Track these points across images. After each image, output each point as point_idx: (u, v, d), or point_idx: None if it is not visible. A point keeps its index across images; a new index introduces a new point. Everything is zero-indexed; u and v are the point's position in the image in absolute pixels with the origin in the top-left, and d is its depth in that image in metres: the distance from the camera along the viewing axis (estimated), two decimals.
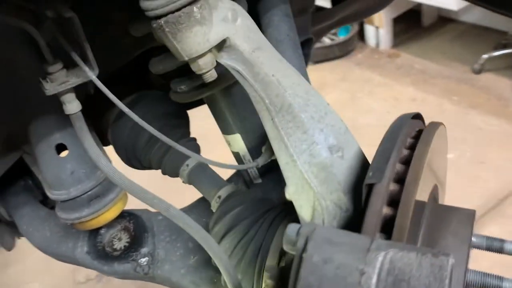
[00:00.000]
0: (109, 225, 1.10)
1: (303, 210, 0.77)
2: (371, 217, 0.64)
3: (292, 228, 0.62)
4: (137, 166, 1.18)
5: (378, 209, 0.65)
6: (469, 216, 0.79)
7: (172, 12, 0.67)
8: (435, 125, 0.80)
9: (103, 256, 1.08)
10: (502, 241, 0.82)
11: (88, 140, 0.81)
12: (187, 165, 1.08)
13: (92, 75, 0.77)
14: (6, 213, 1.14)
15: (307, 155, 0.75)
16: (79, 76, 0.78)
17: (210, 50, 0.73)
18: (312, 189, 0.75)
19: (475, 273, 0.73)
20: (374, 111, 4.27)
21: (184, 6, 0.67)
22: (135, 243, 1.10)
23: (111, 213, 1.01)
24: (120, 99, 1.05)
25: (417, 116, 0.86)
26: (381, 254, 0.55)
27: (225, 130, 1.05)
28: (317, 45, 4.86)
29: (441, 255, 0.54)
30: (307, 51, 1.49)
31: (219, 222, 0.97)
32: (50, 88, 0.77)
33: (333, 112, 0.81)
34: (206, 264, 1.06)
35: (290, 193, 0.78)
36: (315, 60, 4.89)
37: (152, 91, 1.17)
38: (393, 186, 0.68)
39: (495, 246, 0.82)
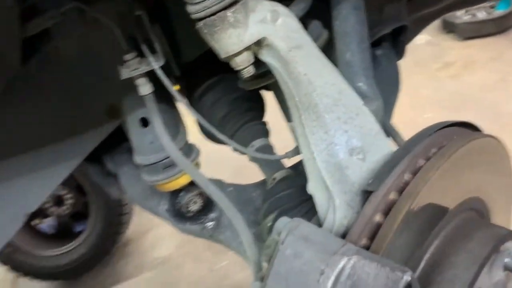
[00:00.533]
0: (188, 190, 1.27)
1: (320, 206, 0.81)
2: (359, 223, 0.67)
3: (282, 220, 0.68)
4: (214, 141, 1.32)
5: (368, 216, 0.67)
6: (497, 236, 0.75)
7: (209, 16, 0.76)
8: (474, 137, 0.76)
9: (179, 215, 1.26)
10: None
11: (156, 119, 0.96)
12: (252, 146, 1.18)
13: (155, 65, 0.90)
14: (113, 168, 1.38)
15: (326, 154, 0.79)
16: (148, 65, 0.93)
17: (247, 49, 0.80)
18: (327, 187, 0.79)
19: None
20: None
21: (219, 11, 0.75)
22: (205, 208, 1.26)
23: (182, 180, 1.17)
24: (204, 80, 1.20)
25: (467, 125, 0.82)
26: (344, 259, 0.59)
27: (287, 117, 1.12)
28: (468, 19, 4.44)
29: (398, 270, 0.56)
30: (402, 38, 1.45)
31: (267, 201, 1.06)
32: (124, 73, 0.93)
33: (366, 114, 0.83)
34: (260, 238, 1.16)
35: (310, 188, 0.83)
36: (465, 36, 4.49)
37: (232, 75, 1.28)
38: (393, 196, 0.69)
39: None
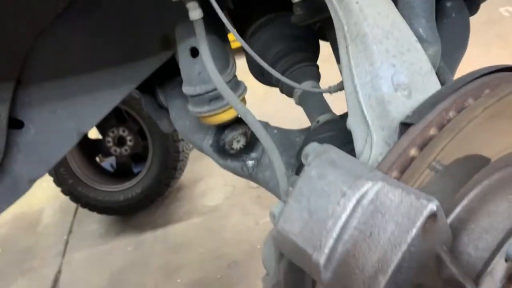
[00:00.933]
0: (233, 127, 1.28)
1: (357, 142, 0.79)
2: (392, 155, 0.64)
3: (312, 145, 0.66)
4: (264, 81, 1.30)
5: (402, 148, 0.63)
6: None
7: None
8: None
9: (222, 151, 1.28)
10: None
11: (204, 46, 0.96)
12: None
13: None
14: (164, 100, 1.41)
15: (370, 87, 0.75)
16: None
17: None
18: (367, 121, 0.76)
19: None
20: None
21: None
22: (248, 147, 1.26)
23: (227, 115, 1.18)
24: (257, 18, 1.18)
25: None
26: (368, 183, 0.57)
27: (338, 59, 1.08)
28: None
29: (424, 198, 0.53)
30: None
31: (307, 144, 1.04)
32: None
33: (419, 51, 0.78)
34: None
35: (349, 123, 0.80)
36: None
37: (286, 14, 1.24)
38: (433, 131, 0.65)
39: None
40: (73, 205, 3.83)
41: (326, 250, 0.56)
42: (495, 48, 4.18)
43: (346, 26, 0.78)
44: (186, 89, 1.16)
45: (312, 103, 1.14)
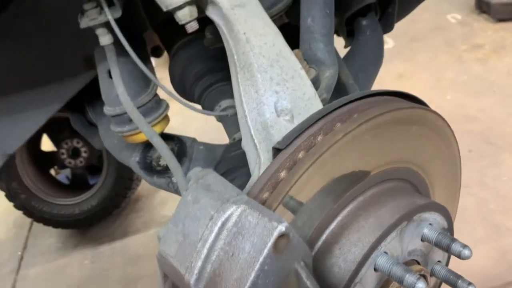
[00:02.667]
0: None
1: (250, 162, 0.84)
2: (263, 178, 0.69)
3: (194, 170, 0.71)
4: (186, 97, 1.35)
5: (272, 172, 0.69)
6: (411, 205, 0.76)
7: None
8: (401, 107, 0.76)
9: (148, 168, 1.31)
10: (452, 240, 0.77)
11: (114, 70, 1.00)
12: (220, 106, 1.21)
13: (110, 16, 0.93)
14: (94, 118, 1.44)
15: (256, 113, 0.81)
16: (106, 16, 0.96)
17: (188, 4, 0.82)
18: (255, 144, 0.81)
19: (387, 259, 0.72)
20: None
21: None
22: None
23: None
24: (181, 37, 1.22)
25: (402, 95, 0.82)
26: (232, 207, 0.62)
27: None
28: (503, 0, 4.24)
29: (275, 220, 0.58)
30: (390, 10, 1.42)
31: (222, 160, 1.09)
32: (83, 22, 0.96)
33: (303, 78, 0.84)
34: None
35: (243, 145, 0.85)
36: (498, 17, 4.30)
37: None
38: (301, 154, 0.71)
39: (443, 243, 0.78)
40: (28, 219, 3.77)
41: (196, 271, 0.61)
42: (443, 54, 4.35)
43: (236, 55, 0.83)
44: (107, 110, 1.19)
45: (230, 120, 1.20)
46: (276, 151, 0.73)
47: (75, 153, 3.58)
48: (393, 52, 4.54)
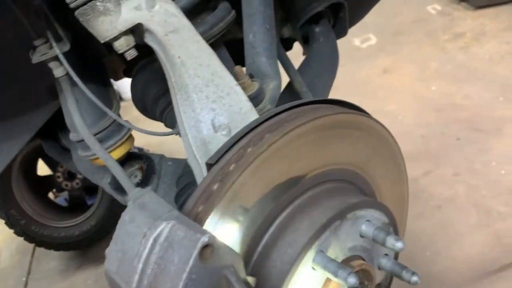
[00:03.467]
0: (130, 164, 1.37)
1: (196, 176, 0.89)
2: (196, 192, 0.74)
3: (133, 191, 0.76)
4: (148, 116, 1.40)
5: (205, 186, 0.74)
6: (345, 204, 0.80)
7: (81, 5, 0.83)
8: (326, 114, 0.81)
9: (119, 188, 1.37)
10: (387, 234, 0.81)
11: (70, 102, 1.06)
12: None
13: (58, 51, 0.99)
14: (67, 143, 1.49)
15: (194, 130, 0.86)
16: (55, 50, 1.01)
17: (124, 34, 0.88)
18: (197, 160, 0.86)
19: (322, 257, 0.76)
20: None
21: (89, 1, 0.83)
22: (144, 182, 1.36)
23: (113, 155, 1.27)
24: (140, 59, 1.27)
25: (339, 102, 0.87)
26: (163, 223, 0.67)
27: None
28: None
29: (199, 232, 0.63)
30: (342, 15, 1.47)
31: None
32: (35, 57, 1.02)
33: (238, 93, 0.89)
34: None
35: (188, 161, 0.90)
36: (477, 5, 4.33)
37: None
38: (233, 167, 0.75)
39: (379, 237, 0.82)
40: (31, 245, 3.84)
41: (133, 285, 0.66)
42: (425, 46, 4.39)
43: (173, 78, 0.88)
44: (71, 136, 1.25)
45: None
46: (209, 166, 0.78)
47: (70, 175, 3.64)
48: (376, 48, 4.58)
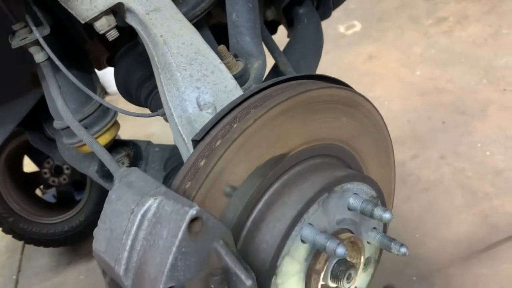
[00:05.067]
0: (117, 151, 1.36)
1: (182, 155, 0.89)
2: (183, 169, 0.74)
3: (119, 171, 0.76)
4: (133, 102, 1.39)
5: (192, 162, 0.74)
6: (332, 177, 0.81)
7: None
8: (310, 88, 0.81)
9: (107, 175, 1.36)
10: (375, 205, 0.82)
11: (53, 87, 1.04)
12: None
13: (38, 34, 0.97)
14: (52, 133, 1.48)
15: (180, 109, 0.86)
16: (35, 34, 1.00)
17: (105, 14, 0.86)
18: (183, 138, 0.86)
19: (311, 230, 0.77)
20: None
21: None
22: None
23: (99, 142, 1.25)
24: (124, 43, 1.25)
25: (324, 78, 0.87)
26: (150, 199, 0.66)
27: None
28: None
29: (187, 205, 0.63)
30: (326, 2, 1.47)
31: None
32: (14, 42, 1.00)
33: (223, 71, 0.89)
34: None
35: (174, 140, 0.90)
36: None
37: None
38: (219, 143, 0.75)
39: (367, 210, 0.83)
40: (20, 243, 3.79)
41: (123, 262, 0.65)
42: (409, 31, 4.41)
43: (156, 57, 0.88)
44: (56, 124, 1.23)
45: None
46: (195, 142, 0.77)
47: (57, 171, 3.61)
48: (361, 35, 4.59)
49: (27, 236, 3.48)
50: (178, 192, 0.72)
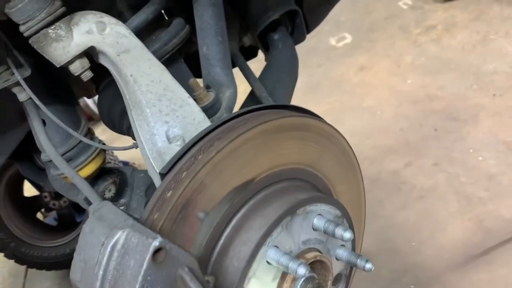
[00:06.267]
0: (104, 178, 1.42)
1: (156, 186, 0.94)
2: (151, 201, 0.79)
3: (92, 205, 0.81)
4: (117, 131, 1.45)
5: (159, 194, 0.79)
6: (294, 201, 0.86)
7: (33, 34, 0.88)
8: (270, 118, 0.86)
9: None
10: (336, 225, 0.87)
11: (36, 124, 1.10)
12: None
13: (19, 77, 1.04)
14: (42, 163, 1.53)
15: (150, 143, 0.91)
16: (16, 76, 1.06)
17: (78, 57, 0.93)
18: (155, 170, 0.91)
19: (275, 252, 0.82)
20: (509, 55, 3.77)
21: (41, 29, 0.88)
22: (117, 195, 1.40)
23: (85, 172, 1.31)
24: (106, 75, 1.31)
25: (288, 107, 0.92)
26: (119, 232, 0.72)
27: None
28: None
29: (150, 237, 0.68)
30: (298, 21, 1.53)
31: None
32: None
33: (191, 105, 0.94)
34: None
35: (148, 172, 0.95)
36: None
37: None
38: (184, 175, 0.81)
39: (329, 230, 0.88)
40: (22, 267, 3.84)
41: None
42: (399, 40, 4.48)
43: (127, 95, 0.94)
44: (43, 156, 1.29)
45: None
46: (162, 175, 0.83)
47: (57, 194, 3.66)
48: (352, 46, 4.66)
49: (29, 260, 3.52)
50: (147, 223, 0.78)
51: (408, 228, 2.99)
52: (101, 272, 0.70)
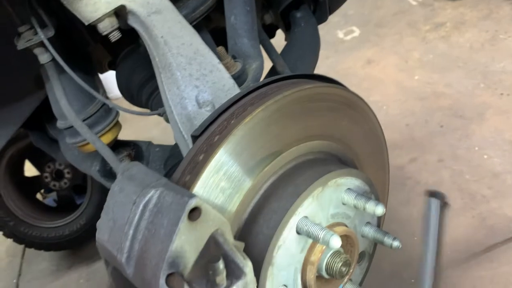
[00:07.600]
0: (119, 151, 1.39)
1: (182, 151, 0.92)
2: (183, 163, 0.77)
3: (121, 165, 0.79)
4: (135, 103, 1.43)
5: (191, 156, 0.77)
6: (321, 174, 0.83)
7: None
8: (304, 87, 0.84)
9: (108, 175, 1.38)
10: (367, 200, 0.85)
11: (57, 88, 1.07)
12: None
13: (43, 37, 1.01)
14: (54, 134, 1.51)
15: (180, 107, 0.89)
16: (40, 36, 1.03)
17: (107, 16, 0.90)
18: (183, 135, 0.89)
19: (305, 222, 0.80)
20: None
21: None
22: None
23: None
24: (125, 46, 1.29)
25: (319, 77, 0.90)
26: (151, 190, 0.69)
27: None
28: None
29: (186, 196, 0.66)
30: (323, 1, 1.50)
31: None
32: (20, 44, 1.04)
33: (221, 71, 0.92)
34: None
35: (175, 137, 0.93)
36: None
37: None
38: (217, 138, 0.78)
39: (360, 204, 0.86)
40: (20, 247, 3.81)
41: (125, 250, 0.68)
42: (407, 36, 4.46)
43: (157, 57, 0.91)
44: (59, 124, 1.26)
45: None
46: (195, 138, 0.80)
47: (58, 175, 3.63)
48: (360, 40, 4.63)
49: (27, 240, 3.49)
50: (178, 185, 0.75)
51: (411, 223, 2.98)
52: (131, 231, 0.68)
